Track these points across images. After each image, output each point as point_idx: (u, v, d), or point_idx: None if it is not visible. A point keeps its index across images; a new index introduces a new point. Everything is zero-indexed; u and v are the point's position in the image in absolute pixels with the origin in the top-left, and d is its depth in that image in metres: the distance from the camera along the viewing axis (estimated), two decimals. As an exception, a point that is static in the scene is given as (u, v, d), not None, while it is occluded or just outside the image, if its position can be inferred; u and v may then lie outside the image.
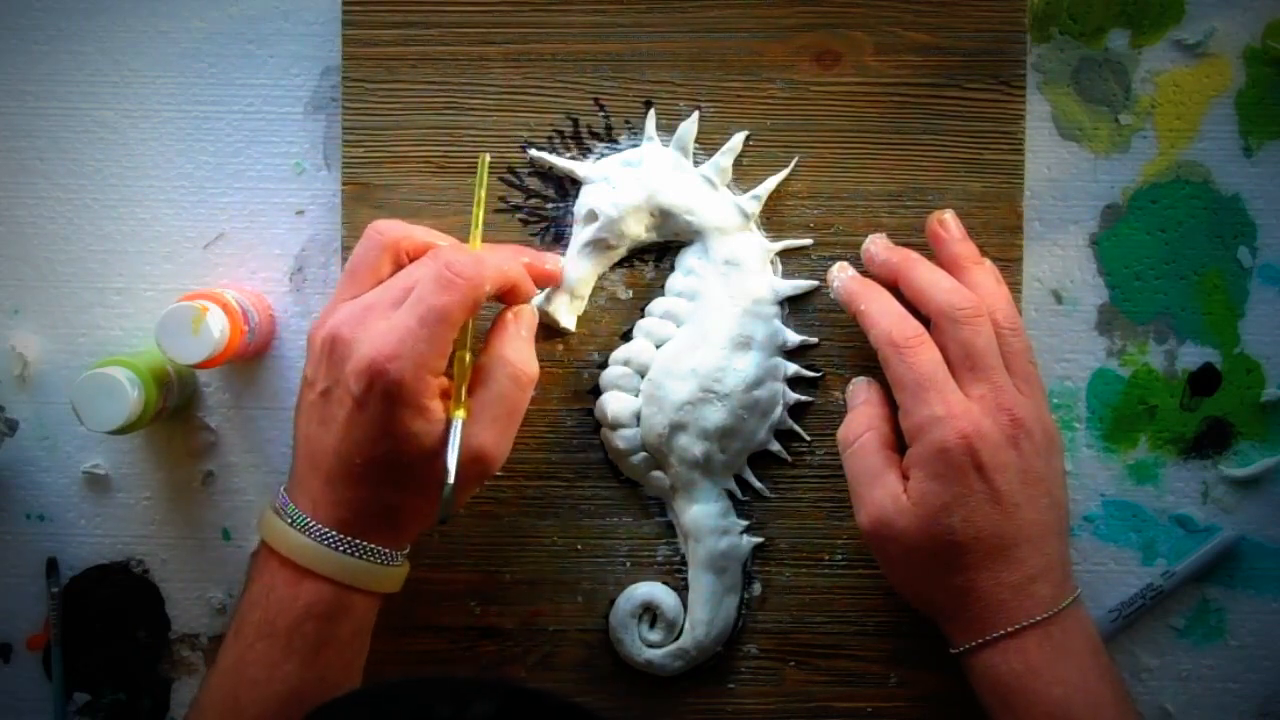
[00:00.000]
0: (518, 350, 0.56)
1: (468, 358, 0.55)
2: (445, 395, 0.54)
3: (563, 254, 0.62)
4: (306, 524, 0.54)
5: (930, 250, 0.60)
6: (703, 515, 0.62)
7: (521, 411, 0.56)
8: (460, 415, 0.54)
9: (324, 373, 0.54)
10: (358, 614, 0.55)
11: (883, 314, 0.58)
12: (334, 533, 0.54)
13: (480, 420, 0.55)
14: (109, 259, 0.66)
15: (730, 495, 0.62)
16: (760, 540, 0.63)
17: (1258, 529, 0.65)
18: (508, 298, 0.58)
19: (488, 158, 0.59)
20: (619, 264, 0.63)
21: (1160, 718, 0.65)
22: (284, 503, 0.55)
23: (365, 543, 0.55)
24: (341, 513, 0.54)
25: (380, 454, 0.53)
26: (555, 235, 0.63)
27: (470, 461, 0.54)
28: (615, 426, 0.62)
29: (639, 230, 0.62)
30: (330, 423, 0.54)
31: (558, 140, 0.63)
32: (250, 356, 0.65)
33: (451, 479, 0.53)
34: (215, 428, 0.66)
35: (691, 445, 0.61)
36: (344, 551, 0.54)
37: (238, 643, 0.54)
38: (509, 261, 0.57)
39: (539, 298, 0.61)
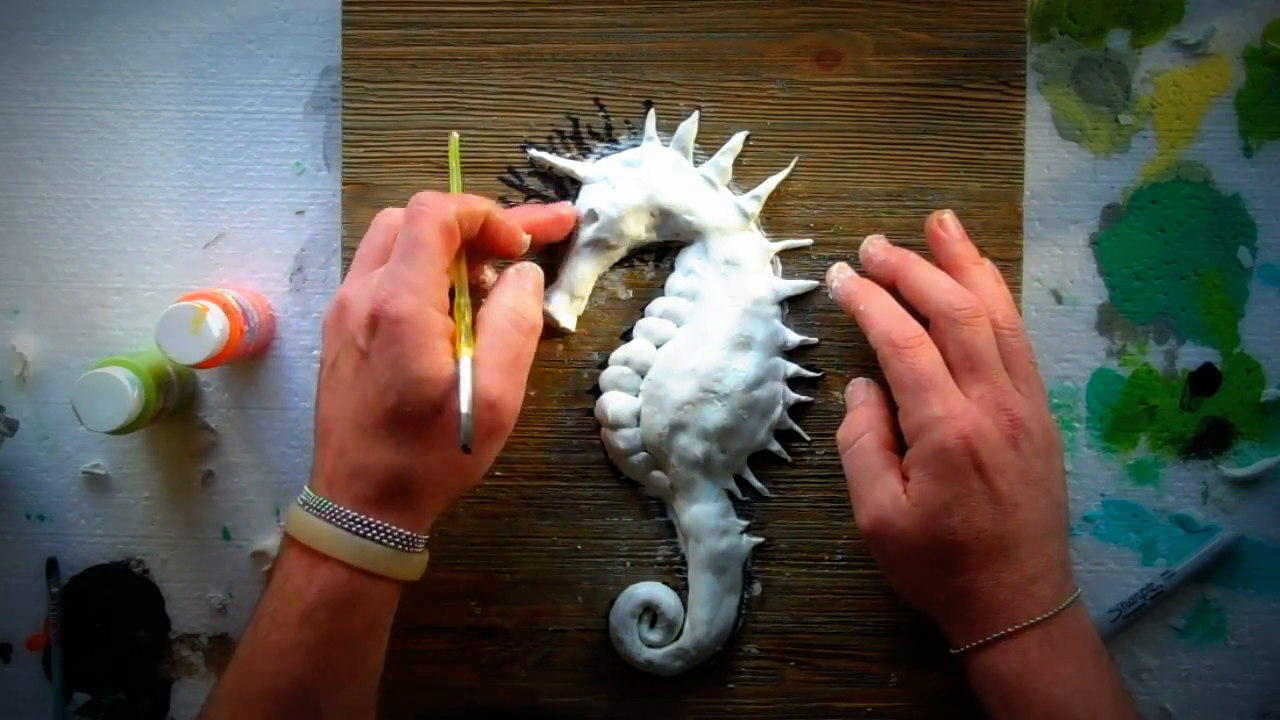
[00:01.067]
0: (517, 297, 0.56)
1: (464, 301, 0.55)
2: (451, 342, 0.54)
3: (561, 254, 0.62)
4: (323, 505, 0.53)
5: (930, 250, 0.60)
6: (703, 515, 0.62)
7: (527, 359, 0.56)
8: (468, 351, 0.54)
9: (333, 343, 0.55)
10: (372, 605, 0.54)
11: (882, 314, 0.58)
12: (351, 513, 0.53)
13: (485, 366, 0.54)
14: (109, 259, 0.66)
15: (730, 495, 0.62)
16: (760, 540, 0.63)
17: (1258, 529, 0.65)
18: (496, 245, 0.57)
19: (457, 135, 0.60)
20: (619, 264, 0.63)
21: (1160, 718, 0.65)
22: (304, 492, 0.55)
23: (383, 523, 0.53)
24: (357, 488, 0.53)
25: (390, 406, 0.52)
26: (555, 235, 0.63)
27: (483, 409, 0.53)
28: (615, 426, 0.62)
29: (639, 230, 0.62)
30: (340, 388, 0.54)
31: (558, 140, 0.63)
32: (250, 356, 0.65)
33: (466, 407, 0.52)
34: (215, 428, 0.66)
35: (691, 445, 0.61)
36: (360, 534, 0.53)
37: (254, 634, 0.54)
38: (478, 199, 0.57)
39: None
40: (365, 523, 0.53)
